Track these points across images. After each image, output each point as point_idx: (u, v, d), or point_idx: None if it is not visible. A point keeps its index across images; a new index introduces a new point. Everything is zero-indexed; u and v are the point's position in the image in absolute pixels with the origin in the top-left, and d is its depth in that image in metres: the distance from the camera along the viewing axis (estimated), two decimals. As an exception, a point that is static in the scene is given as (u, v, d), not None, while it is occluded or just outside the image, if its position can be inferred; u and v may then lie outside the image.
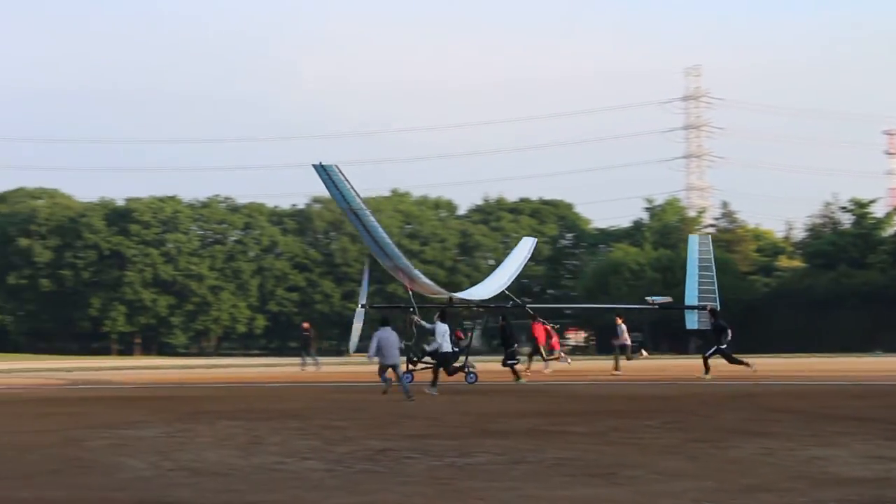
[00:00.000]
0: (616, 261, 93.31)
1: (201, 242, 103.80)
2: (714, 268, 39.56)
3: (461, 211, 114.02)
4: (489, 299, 38.27)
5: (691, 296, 38.41)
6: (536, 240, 54.72)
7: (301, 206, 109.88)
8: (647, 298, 40.86)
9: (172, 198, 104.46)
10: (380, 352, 24.65)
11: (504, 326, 34.23)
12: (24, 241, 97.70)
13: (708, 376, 31.29)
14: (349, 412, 20.39)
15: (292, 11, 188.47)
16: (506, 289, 40.73)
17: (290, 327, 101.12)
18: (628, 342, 38.60)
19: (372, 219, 29.87)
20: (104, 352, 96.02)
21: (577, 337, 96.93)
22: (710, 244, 41.17)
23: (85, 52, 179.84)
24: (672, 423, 17.45)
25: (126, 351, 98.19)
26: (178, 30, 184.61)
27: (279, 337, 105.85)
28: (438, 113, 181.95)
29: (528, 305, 40.48)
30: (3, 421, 19.03)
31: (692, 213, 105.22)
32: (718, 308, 35.79)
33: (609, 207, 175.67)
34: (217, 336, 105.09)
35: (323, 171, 27.21)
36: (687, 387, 28.46)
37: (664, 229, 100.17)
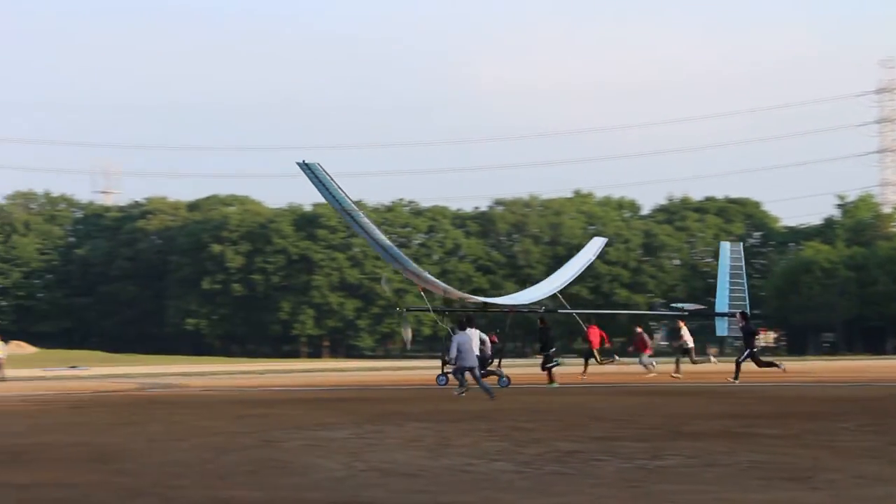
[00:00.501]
0: (807, 259, 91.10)
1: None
2: (745, 275, 40.05)
3: (645, 211, 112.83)
4: (522, 304, 38.07)
5: (722, 303, 38.74)
6: (607, 239, 53.78)
7: (484, 208, 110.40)
8: (675, 305, 40.80)
9: (357, 202, 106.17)
10: (459, 354, 25.42)
11: (542, 329, 33.63)
12: (216, 247, 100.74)
13: (737, 381, 30.70)
14: (535, 413, 20.33)
15: (468, 14, 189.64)
16: (560, 291, 40.67)
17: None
18: (691, 345, 38.08)
19: (366, 219, 30.15)
20: (294, 355, 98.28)
21: (766, 338, 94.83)
22: (742, 251, 41.43)
23: (274, 68, 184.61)
24: (869, 425, 16.86)
25: (315, 353, 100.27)
26: (363, 47, 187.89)
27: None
28: (620, 112, 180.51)
29: (560, 310, 40.63)
30: (201, 422, 19.60)
31: (887, 210, 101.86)
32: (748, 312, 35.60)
33: (798, 205, 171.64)
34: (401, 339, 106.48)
35: (308, 169, 27.12)
36: (882, 388, 27.48)
37: (857, 226, 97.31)
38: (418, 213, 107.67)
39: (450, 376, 31.07)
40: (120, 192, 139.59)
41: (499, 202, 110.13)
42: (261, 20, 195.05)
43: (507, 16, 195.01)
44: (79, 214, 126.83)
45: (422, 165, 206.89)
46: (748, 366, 31.96)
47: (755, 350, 32.29)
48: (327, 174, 27.30)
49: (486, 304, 36.39)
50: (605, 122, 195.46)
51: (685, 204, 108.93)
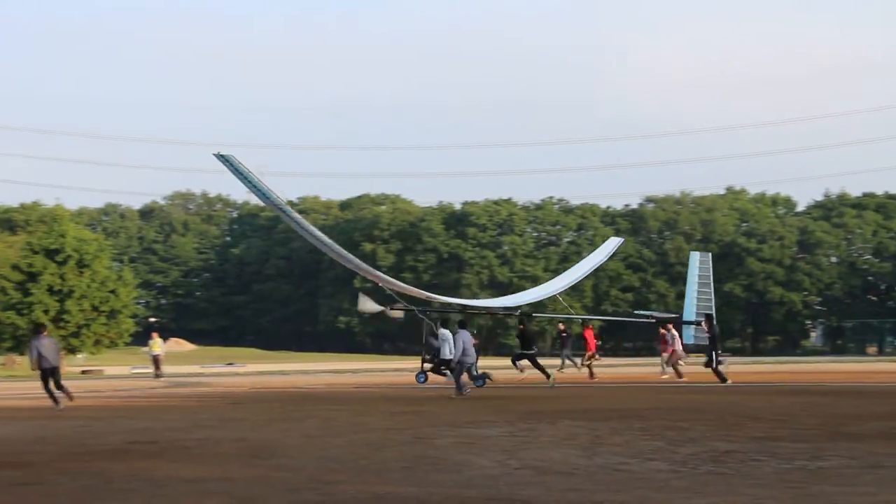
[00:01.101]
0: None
1: (536, 244, 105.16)
2: (712, 284, 41.72)
3: (800, 207, 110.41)
4: (498, 307, 39.35)
5: (689, 311, 40.03)
6: (622, 240, 53.78)
7: (634, 205, 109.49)
8: (639, 312, 41.20)
9: (507, 201, 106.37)
10: (465, 352, 27.15)
11: (521, 331, 34.45)
12: (368, 246, 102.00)
13: (729, 382, 31.14)
14: (690, 413, 20.05)
15: (618, 9, 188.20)
16: (562, 292, 41.90)
17: (624, 328, 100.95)
18: (679, 349, 37.55)
19: (295, 214, 30.55)
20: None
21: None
22: (710, 261, 42.70)
23: (420, 67, 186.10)
24: None
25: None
26: (511, 44, 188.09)
27: (613, 337, 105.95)
28: (773, 107, 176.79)
29: (535, 314, 41.73)
30: (356, 419, 19.85)
31: None
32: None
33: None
34: (552, 337, 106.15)
35: (225, 161, 27.22)
36: None
37: None
38: (568, 210, 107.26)
39: (429, 374, 32.80)
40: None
41: (649, 199, 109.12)
42: (407, 18, 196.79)
43: (659, 10, 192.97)
44: (234, 214, 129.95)
45: (572, 163, 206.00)
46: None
47: (718, 353, 32.41)
48: (244, 166, 27.77)
49: (464, 306, 37.91)
50: (757, 117, 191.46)
51: (843, 200, 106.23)
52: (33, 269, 57.53)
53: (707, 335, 33.97)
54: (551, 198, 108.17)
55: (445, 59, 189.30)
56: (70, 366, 60.47)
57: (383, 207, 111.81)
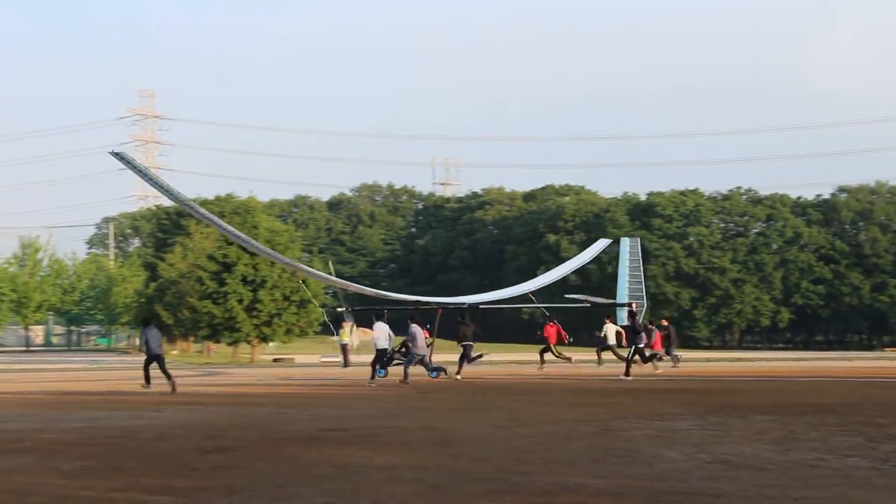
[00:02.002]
0: None
1: (723, 235, 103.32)
2: (642, 268, 44.67)
3: None
4: (448, 302, 40.19)
5: (622, 294, 43.17)
6: (611, 241, 55.48)
7: (826, 196, 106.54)
8: (573, 297, 46.13)
9: (694, 191, 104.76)
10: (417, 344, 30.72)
11: (461, 324, 34.59)
12: (551, 237, 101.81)
13: (659, 371, 33.78)
14: (885, 408, 19.42)
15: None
16: (533, 291, 43.04)
17: (816, 321, 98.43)
18: (613, 342, 38.34)
19: (200, 208, 31.81)
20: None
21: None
22: (639, 246, 45.76)
23: (603, 57, 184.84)
24: None
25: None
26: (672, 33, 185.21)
27: (805, 330, 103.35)
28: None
29: (481, 305, 43.13)
30: (542, 409, 19.86)
31: None
32: (644, 308, 40.10)
33: None
34: (740, 329, 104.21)
35: (120, 158, 27.78)
36: None
37: None
38: (757, 201, 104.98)
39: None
40: (458, 184, 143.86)
41: (842, 189, 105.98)
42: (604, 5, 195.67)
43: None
44: (419, 206, 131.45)
45: (760, 152, 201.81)
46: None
47: (641, 346, 33.02)
48: (139, 163, 28.91)
49: (417, 301, 39.41)
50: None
51: None
52: (228, 259, 59.21)
53: (630, 323, 34.65)
54: (739, 188, 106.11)
55: (630, 47, 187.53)
56: (262, 354, 62.24)
57: (567, 198, 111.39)
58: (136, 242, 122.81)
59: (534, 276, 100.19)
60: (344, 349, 45.44)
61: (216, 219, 34.23)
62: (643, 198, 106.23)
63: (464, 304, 39.95)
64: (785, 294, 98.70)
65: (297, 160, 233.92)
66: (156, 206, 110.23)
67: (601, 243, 51.95)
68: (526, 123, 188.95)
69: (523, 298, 44.57)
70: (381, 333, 31.29)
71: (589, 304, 44.54)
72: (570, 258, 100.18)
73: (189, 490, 10.38)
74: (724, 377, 33.36)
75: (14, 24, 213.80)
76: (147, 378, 27.02)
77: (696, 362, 48.23)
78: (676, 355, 40.87)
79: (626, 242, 45.42)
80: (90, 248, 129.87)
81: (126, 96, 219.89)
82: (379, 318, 32.21)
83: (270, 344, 65.53)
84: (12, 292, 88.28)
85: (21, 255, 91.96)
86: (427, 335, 33.16)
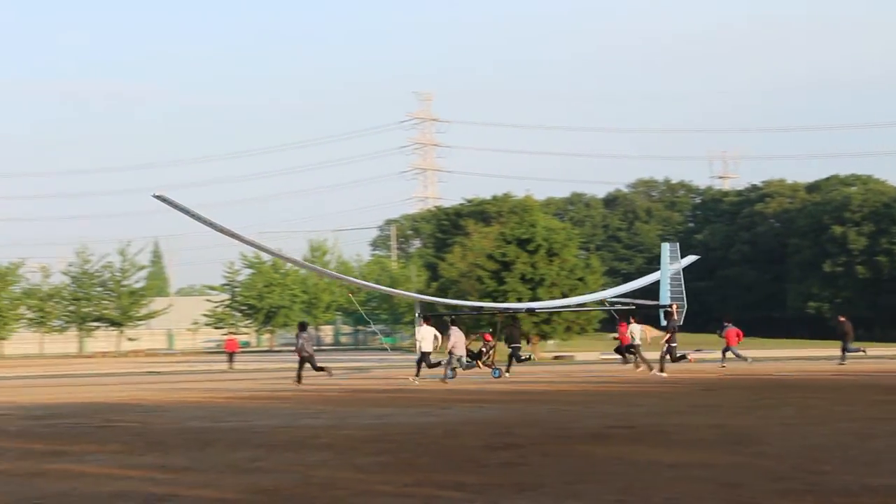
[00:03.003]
0: None
1: None
2: (682, 272, 46.15)
3: None
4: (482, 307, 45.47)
5: (664, 296, 44.08)
6: (698, 257, 56.75)
7: None
8: (612, 299, 46.45)
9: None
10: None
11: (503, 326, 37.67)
12: (837, 229, 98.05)
13: (664, 374, 32.88)
14: None
15: None
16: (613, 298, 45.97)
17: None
18: (637, 342, 37.59)
19: (244, 236, 35.16)
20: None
21: None
22: (678, 250, 47.11)
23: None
24: None
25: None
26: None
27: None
28: None
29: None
30: (835, 407, 19.18)
31: None
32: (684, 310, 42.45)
33: None
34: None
35: (163, 200, 29.34)
36: None
37: None
38: None
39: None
40: (737, 177, 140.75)
41: None
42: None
43: None
44: (697, 200, 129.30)
45: None
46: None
47: (674, 346, 34.71)
48: (181, 203, 30.29)
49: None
50: None
51: None
52: (507, 258, 59.79)
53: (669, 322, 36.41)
54: None
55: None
56: (543, 351, 62.58)
57: (854, 188, 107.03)
58: (417, 243, 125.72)
59: (819, 269, 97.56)
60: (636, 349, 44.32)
61: (272, 248, 39.74)
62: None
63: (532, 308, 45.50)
64: None
65: (571, 158, 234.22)
66: (436, 207, 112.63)
67: (688, 259, 52.50)
68: (804, 114, 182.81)
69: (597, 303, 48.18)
70: (459, 339, 32.93)
71: (634, 307, 44.78)
72: (859, 250, 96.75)
73: (479, 486, 10.50)
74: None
75: (301, 35, 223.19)
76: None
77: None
78: (859, 349, 42.33)
79: (666, 247, 46.84)
80: (374, 249, 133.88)
81: (406, 99, 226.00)
82: (454, 324, 34.02)
83: (550, 342, 65.80)
84: (304, 294, 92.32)
85: (311, 258, 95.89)
86: (489, 338, 36.59)
